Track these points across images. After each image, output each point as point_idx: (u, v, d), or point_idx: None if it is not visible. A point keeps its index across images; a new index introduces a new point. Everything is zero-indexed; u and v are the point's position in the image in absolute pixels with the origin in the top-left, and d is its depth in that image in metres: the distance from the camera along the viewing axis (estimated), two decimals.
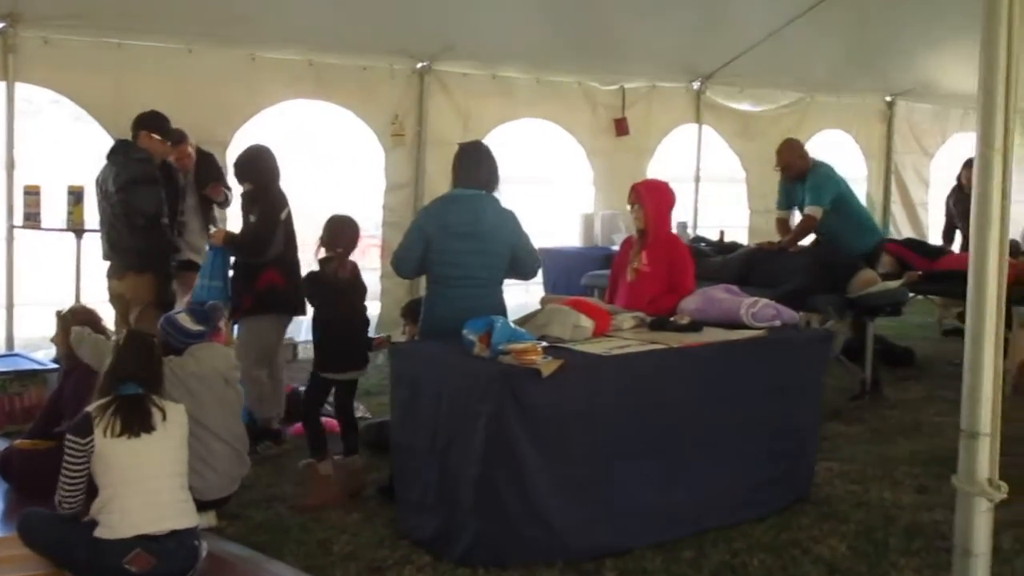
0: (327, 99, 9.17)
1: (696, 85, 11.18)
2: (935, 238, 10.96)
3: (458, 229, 5.16)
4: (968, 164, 12.67)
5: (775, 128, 11.82)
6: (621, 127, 10.60)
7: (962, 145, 13.84)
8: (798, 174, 7.94)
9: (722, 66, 10.93)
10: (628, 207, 6.22)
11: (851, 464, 6.18)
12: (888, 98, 12.92)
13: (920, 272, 8.54)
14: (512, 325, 4.76)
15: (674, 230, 10.20)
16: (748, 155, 11.51)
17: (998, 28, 2.93)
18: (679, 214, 10.81)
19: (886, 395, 7.89)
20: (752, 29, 10.24)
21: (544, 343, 4.70)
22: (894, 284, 7.38)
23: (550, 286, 9.87)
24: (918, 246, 9.06)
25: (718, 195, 12.04)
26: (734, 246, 9.26)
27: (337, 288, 5.68)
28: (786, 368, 5.36)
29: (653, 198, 6.06)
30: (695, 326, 5.34)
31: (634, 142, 10.73)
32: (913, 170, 13.44)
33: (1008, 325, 8.29)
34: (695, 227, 11.29)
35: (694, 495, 4.94)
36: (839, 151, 12.69)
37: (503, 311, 5.15)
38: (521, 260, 5.37)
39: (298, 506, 5.35)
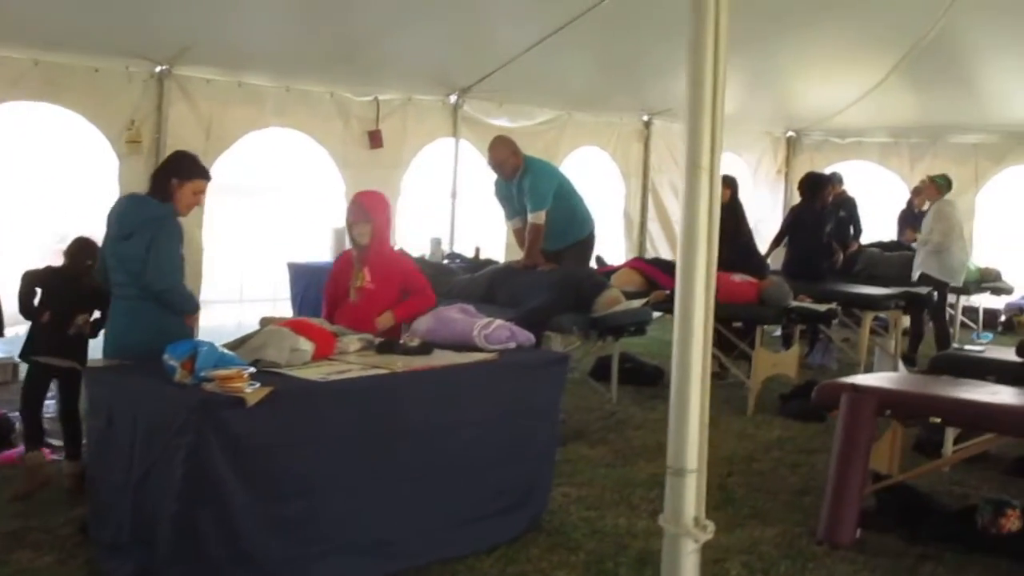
0: (54, 101, 8.49)
1: (453, 99, 10.99)
2: None
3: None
4: (916, 190, 13.04)
5: (533, 144, 11.73)
6: (375, 139, 10.30)
7: (723, 165, 14.16)
8: (512, 172, 7.80)
9: (479, 80, 10.77)
10: (348, 221, 5.91)
11: (589, 488, 6.06)
12: (645, 117, 13.07)
13: (668, 291, 8.57)
14: (221, 349, 4.39)
15: (427, 246, 10.13)
16: None
17: (704, 43, 2.78)
18: (436, 230, 10.65)
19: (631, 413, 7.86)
20: (509, 44, 10.12)
21: (253, 369, 4.34)
22: (638, 303, 7.34)
23: (298, 302, 9.50)
24: (666, 265, 9.10)
25: (477, 210, 11.89)
26: (488, 263, 9.11)
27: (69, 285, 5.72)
28: (520, 392, 5.17)
29: (381, 212, 5.81)
30: (425, 348, 5.09)
31: (389, 155, 10.44)
32: (671, 189, 13.64)
33: (752, 344, 8.46)
34: (451, 243, 11.11)
35: (418, 528, 4.68)
36: (597, 169, 12.77)
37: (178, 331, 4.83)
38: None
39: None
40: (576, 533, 5.30)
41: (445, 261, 10.13)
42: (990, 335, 12.85)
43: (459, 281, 7.72)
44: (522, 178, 7.73)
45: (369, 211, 5.73)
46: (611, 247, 12.80)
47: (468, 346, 5.24)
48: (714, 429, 7.56)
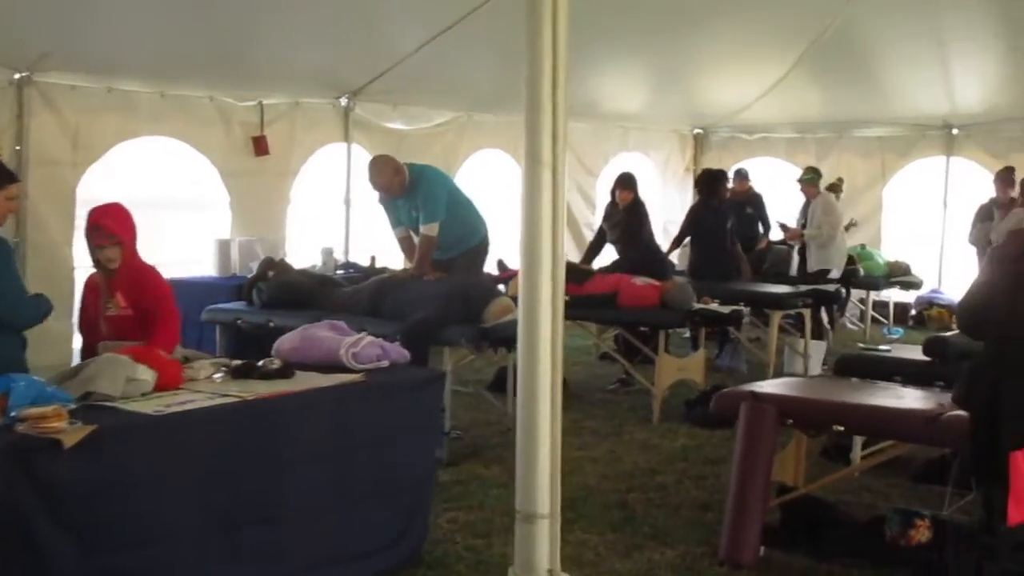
0: None
1: (344, 102, 10.53)
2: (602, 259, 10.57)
3: None
4: (831, 187, 12.77)
5: (432, 147, 11.40)
6: (260, 146, 9.80)
7: (625, 165, 13.88)
8: (401, 190, 7.37)
9: (371, 81, 10.32)
10: (93, 245, 5.19)
11: (479, 512, 5.66)
12: None
13: (567, 297, 8.20)
14: (42, 383, 3.90)
15: (319, 256, 9.65)
16: None
17: (540, 31, 2.39)
18: (328, 239, 10.17)
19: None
20: (401, 42, 9.69)
21: (73, 405, 3.85)
22: None
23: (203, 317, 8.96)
24: (568, 270, 8.71)
25: (371, 218, 11.42)
26: (384, 272, 8.68)
27: None
28: (393, 414, 4.75)
29: (128, 228, 5.17)
30: (285, 371, 4.64)
31: (276, 162, 9.95)
32: (578, 191, 13.28)
33: (655, 349, 8.13)
34: (346, 253, 10.65)
35: (278, 573, 4.23)
36: (500, 171, 12.39)
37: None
38: None
39: None
40: (459, 565, 4.89)
41: (339, 272, 9.68)
42: (901, 330, 12.76)
43: (342, 294, 7.27)
44: (413, 190, 7.30)
45: (115, 230, 5.10)
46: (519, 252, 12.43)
47: (336, 366, 4.81)
48: (617, 440, 7.30)
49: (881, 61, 11.70)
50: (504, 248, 11.04)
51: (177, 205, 10.05)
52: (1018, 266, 3.70)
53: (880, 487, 6.19)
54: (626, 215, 9.19)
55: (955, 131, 13.30)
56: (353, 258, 10.47)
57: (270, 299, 7.33)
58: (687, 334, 10.25)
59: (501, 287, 8.78)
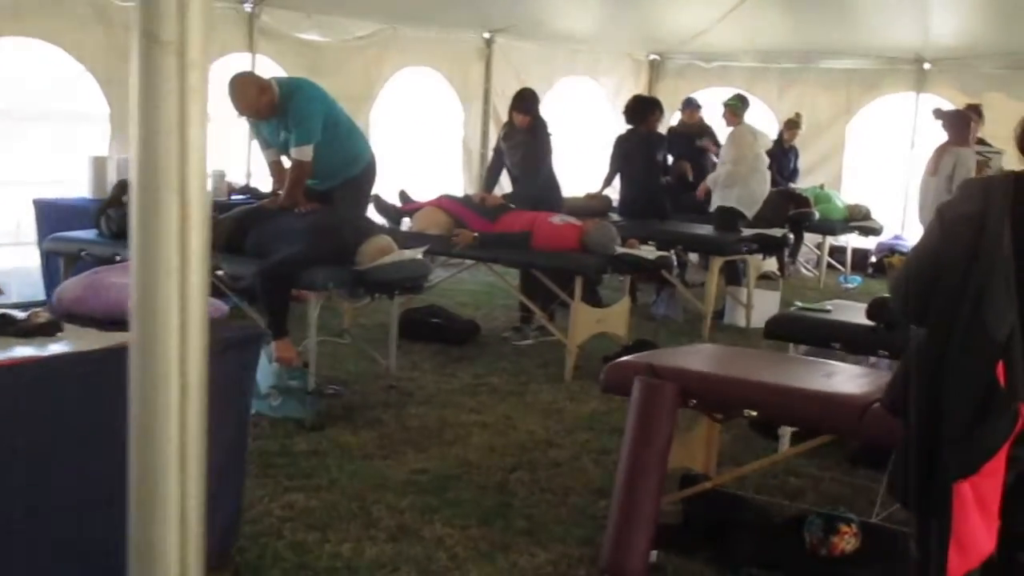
0: None
1: (248, 7, 9.42)
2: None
3: None
4: (789, 123, 11.66)
5: (351, 63, 10.36)
6: None
7: (572, 89, 12.86)
8: (271, 110, 6.32)
9: None
10: None
11: (327, 494, 4.72)
12: (487, 34, 11.64)
13: (476, 234, 7.25)
14: None
15: (209, 181, 8.60)
16: None
17: None
18: (223, 161, 9.12)
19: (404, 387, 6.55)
20: None
21: None
22: (413, 253, 5.96)
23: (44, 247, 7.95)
24: (478, 204, 7.75)
25: None
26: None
27: None
28: None
29: None
30: (50, 327, 3.65)
31: None
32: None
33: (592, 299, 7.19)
34: (248, 176, 9.61)
35: None
36: (431, 90, 11.35)
37: None
38: None
39: None
40: (273, 571, 3.96)
41: (236, 198, 8.68)
42: (859, 279, 11.86)
43: None
44: (283, 109, 6.24)
45: None
46: (448, 181, 11.43)
47: (125, 320, 3.82)
48: (518, 402, 6.30)
49: None
50: (420, 177, 10.07)
51: (47, 117, 8.92)
52: (972, 229, 2.74)
53: (810, 470, 5.31)
54: (527, 139, 8.05)
55: (927, 66, 12.31)
56: (256, 183, 9.42)
57: (120, 228, 6.34)
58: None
59: (407, 221, 7.82)
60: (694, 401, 4.13)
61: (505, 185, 8.71)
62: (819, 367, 4.39)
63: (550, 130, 8.07)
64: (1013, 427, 2.69)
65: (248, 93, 6.20)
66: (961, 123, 8.53)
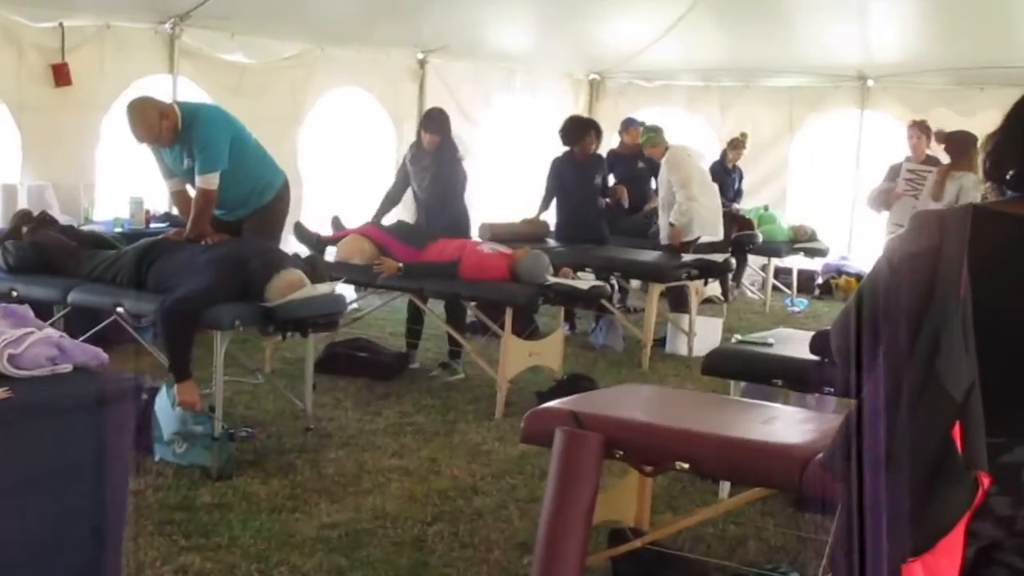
0: None
1: (168, 27, 8.99)
2: (476, 215, 9.14)
3: None
4: (733, 142, 11.29)
5: (277, 84, 9.96)
6: (61, 75, 8.25)
7: (509, 109, 12.53)
8: (172, 136, 5.93)
9: (202, 3, 8.79)
10: None
11: (225, 556, 4.30)
12: (420, 55, 11.28)
13: (400, 264, 6.88)
14: None
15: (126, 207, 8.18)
16: (243, 116, 9.41)
17: None
18: (141, 188, 8.68)
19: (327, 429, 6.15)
20: None
21: None
22: (327, 288, 5.57)
23: None
24: (408, 232, 7.39)
25: None
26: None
27: None
28: (58, 445, 3.38)
29: None
30: None
31: (82, 95, 8.40)
32: (455, 137, 11.86)
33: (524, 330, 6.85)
34: (170, 204, 9.14)
35: None
36: (361, 112, 10.96)
37: None
38: None
39: None
40: None
41: (156, 226, 8.27)
42: (805, 301, 11.61)
43: (104, 258, 5.83)
44: (186, 134, 5.84)
45: None
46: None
47: None
48: (444, 443, 5.88)
49: (792, 1, 10.46)
50: (352, 203, 9.69)
51: None
52: (925, 269, 2.41)
53: (752, 515, 4.98)
54: (435, 161, 7.68)
55: (870, 82, 12.11)
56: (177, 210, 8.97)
57: (18, 262, 5.94)
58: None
59: (332, 250, 7.43)
60: (620, 452, 3.77)
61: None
62: (757, 412, 4.05)
63: (461, 155, 7.70)
64: (972, 498, 2.33)
65: (148, 118, 5.80)
66: (964, 145, 7.81)
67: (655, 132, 9.11)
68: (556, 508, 3.70)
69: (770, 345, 5.43)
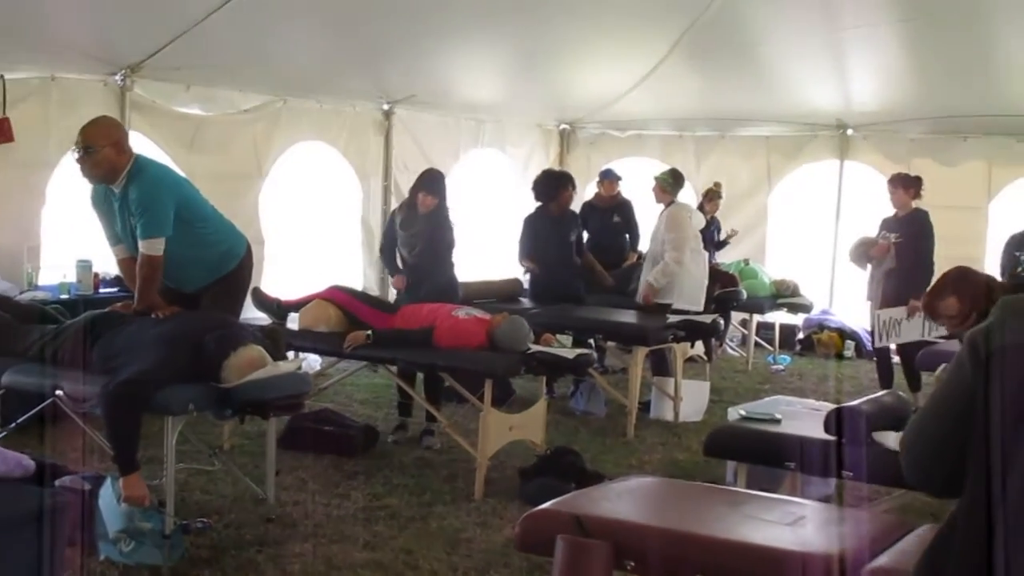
0: None
1: (118, 79, 8.49)
2: None
3: None
4: (709, 193, 10.84)
5: (237, 138, 9.50)
6: (3, 131, 7.74)
7: (479, 162, 12.10)
8: (113, 173, 5.26)
9: (153, 53, 8.29)
10: None
11: None
12: (385, 105, 10.84)
13: (368, 332, 6.37)
14: None
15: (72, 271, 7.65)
16: (200, 171, 8.92)
17: None
18: (90, 250, 8.14)
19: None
20: (192, 7, 7.76)
21: None
22: (291, 366, 5.06)
23: None
24: (375, 299, 6.90)
25: None
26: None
27: None
28: None
29: None
30: None
31: (25, 151, 7.86)
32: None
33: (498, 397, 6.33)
34: None
35: None
36: (325, 168, 10.49)
37: None
38: None
39: None
40: None
41: (106, 291, 7.77)
42: (788, 358, 11.19)
43: (44, 334, 5.28)
44: (131, 184, 5.31)
45: None
46: (346, 264, 10.55)
47: None
48: (421, 528, 5.20)
49: (768, 50, 10.10)
50: (317, 263, 9.22)
51: None
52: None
53: None
54: (431, 226, 7.27)
55: (850, 132, 11.78)
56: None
57: None
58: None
59: (294, 316, 6.92)
60: (632, 563, 3.28)
61: None
62: (780, 510, 3.56)
63: (453, 218, 7.31)
64: None
65: (113, 135, 5.29)
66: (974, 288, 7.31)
67: (675, 181, 8.61)
68: None
69: (778, 421, 4.98)
